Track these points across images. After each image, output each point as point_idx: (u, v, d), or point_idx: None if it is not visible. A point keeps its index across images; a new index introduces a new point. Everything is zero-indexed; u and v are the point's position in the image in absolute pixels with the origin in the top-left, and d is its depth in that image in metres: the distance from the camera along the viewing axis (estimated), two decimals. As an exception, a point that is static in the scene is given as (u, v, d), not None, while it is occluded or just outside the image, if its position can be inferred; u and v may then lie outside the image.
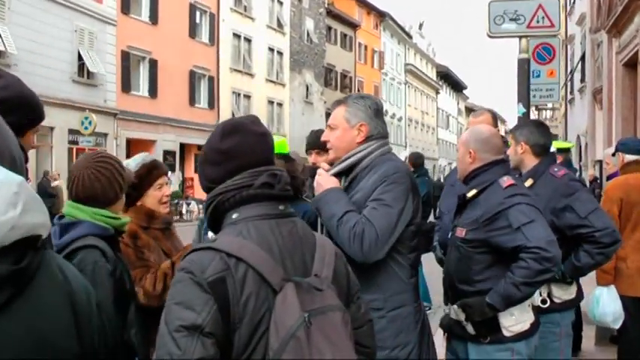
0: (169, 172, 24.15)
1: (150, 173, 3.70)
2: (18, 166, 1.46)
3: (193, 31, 35.69)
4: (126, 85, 30.52)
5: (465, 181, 3.82)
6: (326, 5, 51.14)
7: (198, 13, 36.26)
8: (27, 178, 1.55)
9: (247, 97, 40.79)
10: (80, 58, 27.43)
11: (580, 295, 4.46)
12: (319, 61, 50.14)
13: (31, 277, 1.40)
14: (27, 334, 1.36)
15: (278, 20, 44.48)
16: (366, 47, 60.21)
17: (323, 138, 3.46)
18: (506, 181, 3.58)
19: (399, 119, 67.47)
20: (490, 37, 8.03)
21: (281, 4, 44.74)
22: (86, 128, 25.42)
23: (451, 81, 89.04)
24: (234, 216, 2.04)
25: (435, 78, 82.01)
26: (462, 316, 3.61)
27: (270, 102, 43.51)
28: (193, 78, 35.61)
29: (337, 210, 3.12)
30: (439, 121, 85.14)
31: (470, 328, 3.58)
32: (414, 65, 72.58)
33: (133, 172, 3.49)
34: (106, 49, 29.03)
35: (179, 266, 1.94)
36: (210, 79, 37.16)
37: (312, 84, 48.90)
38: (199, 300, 1.81)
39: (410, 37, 72.29)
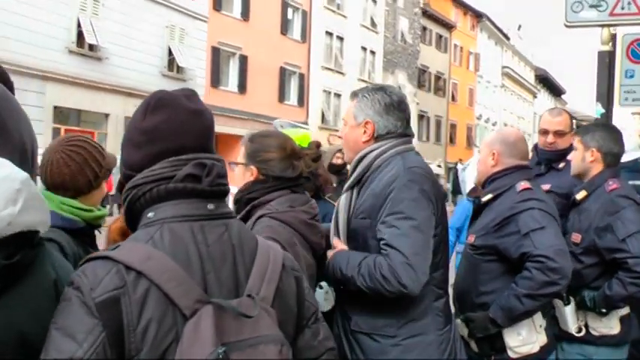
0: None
1: None
2: (28, 155, 1.54)
3: (285, 27, 35.65)
4: (215, 81, 30.77)
5: (483, 185, 3.65)
6: (421, 5, 50.33)
7: (290, 10, 36.22)
8: (33, 169, 1.57)
9: (338, 95, 40.48)
10: (170, 53, 27.98)
11: (627, 333, 3.88)
12: (413, 61, 49.45)
13: (22, 273, 1.42)
14: (6, 330, 1.37)
15: (371, 19, 44.01)
16: (461, 48, 59.10)
17: (339, 134, 3.22)
18: (522, 185, 3.40)
19: (494, 124, 65.77)
20: (567, 26, 7.07)
21: (375, 2, 44.28)
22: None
23: (549, 85, 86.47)
24: (150, 215, 1.67)
25: (532, 81, 79.71)
26: (464, 332, 3.35)
27: (361, 102, 42.59)
28: (283, 75, 35.55)
29: (352, 264, 2.78)
30: (535, 126, 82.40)
31: (473, 346, 3.36)
32: (511, 68, 70.64)
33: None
34: (196, 45, 29.42)
35: (69, 279, 1.54)
36: (301, 77, 37.04)
37: (405, 85, 47.91)
38: (83, 326, 1.45)
39: (508, 38, 70.54)
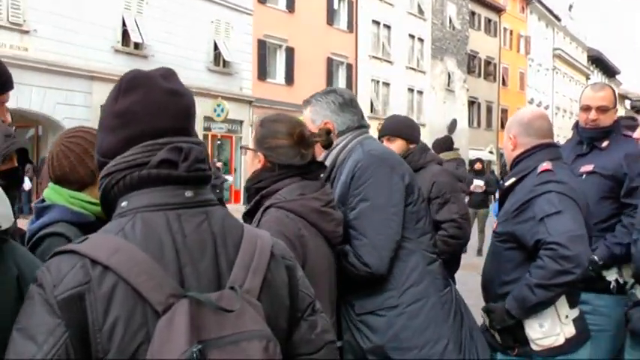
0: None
1: None
2: None
3: (331, 18, 35.54)
4: (262, 73, 30.90)
5: (511, 170, 3.46)
6: (469, -10, 49.51)
7: (336, 0, 36.03)
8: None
9: (386, 84, 40.19)
10: (216, 47, 28.20)
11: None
12: (462, 47, 48.81)
13: None
14: None
15: (419, 6, 43.56)
16: (511, 32, 58.08)
17: None
18: (542, 166, 3.19)
19: (546, 107, 64.44)
20: None
21: (421, -11, 43.69)
22: (218, 115, 26.61)
23: (603, 66, 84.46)
24: (123, 205, 1.57)
25: (585, 63, 78.06)
26: (487, 322, 3.24)
27: (410, 90, 42.71)
28: (331, 65, 35.45)
29: None
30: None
31: (497, 337, 3.20)
32: (562, 50, 69.27)
33: None
34: (242, 39, 29.58)
35: (35, 276, 1.45)
36: (349, 67, 36.86)
37: (455, 71, 47.59)
38: (44, 326, 1.36)
39: (559, 19, 69.14)
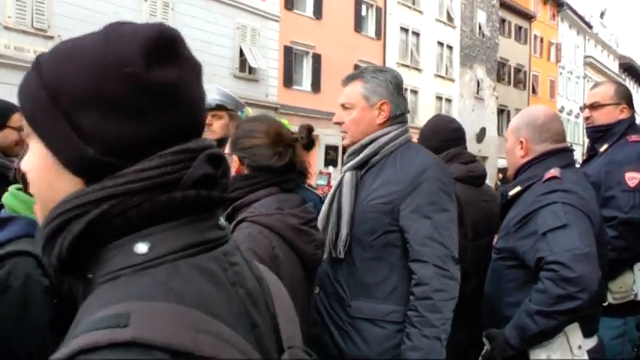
0: (331, 168, 24.02)
1: None
2: None
3: (359, 25, 35.26)
4: (288, 80, 30.75)
5: (515, 177, 3.12)
6: (499, -4, 49.07)
7: (364, 7, 35.77)
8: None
9: (414, 92, 39.72)
10: (242, 54, 28.10)
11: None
12: (491, 55, 48.23)
13: None
14: None
15: (448, 13, 43.07)
16: (541, 39, 57.57)
17: (335, 120, 3.05)
18: (549, 173, 2.86)
19: (576, 116, 63.99)
20: None
21: (451, -4, 43.37)
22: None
23: (635, 73, 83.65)
24: (141, 250, 0.94)
25: (617, 71, 77.23)
26: (489, 349, 2.84)
27: (439, 98, 42.27)
28: (358, 73, 34.86)
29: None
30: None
31: None
32: (594, 57, 68.76)
33: None
34: (268, 45, 29.45)
35: None
36: (376, 74, 36.22)
37: (484, 79, 47.06)
38: None
39: (590, 27, 68.55)
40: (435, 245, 2.67)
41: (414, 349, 2.61)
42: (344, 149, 3.07)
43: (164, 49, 1.01)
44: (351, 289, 2.87)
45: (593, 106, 3.90)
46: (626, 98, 3.92)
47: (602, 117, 3.86)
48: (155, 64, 0.99)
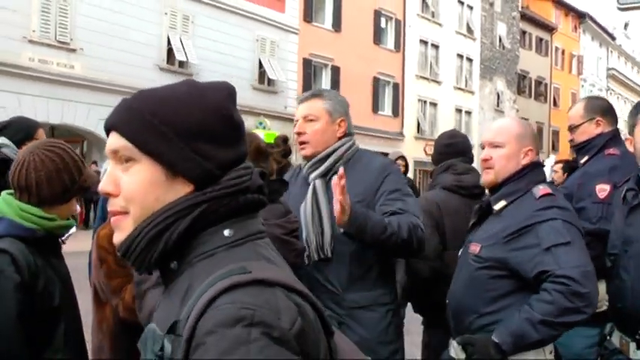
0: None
1: None
2: None
3: (378, 37, 35.38)
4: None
5: (493, 190, 3.17)
6: (520, 8, 49.02)
7: (383, 20, 35.87)
8: None
9: (433, 104, 39.79)
10: (261, 65, 28.26)
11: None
12: (512, 67, 48.15)
13: None
14: None
15: (467, 26, 43.16)
16: (563, 51, 57.21)
17: (297, 130, 3.32)
18: (541, 189, 2.96)
19: (600, 128, 63.46)
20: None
21: (471, 8, 43.34)
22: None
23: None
24: (227, 233, 1.34)
25: (641, 83, 76.17)
26: (461, 356, 2.91)
27: (458, 110, 42.25)
28: (377, 85, 35.27)
29: (378, 222, 2.99)
30: (645, 130, 78.97)
31: None
32: (617, 70, 68.01)
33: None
34: (287, 57, 29.65)
35: (231, 316, 1.13)
36: (395, 87, 36.61)
37: (504, 91, 46.96)
38: None
39: (613, 38, 67.81)
40: (410, 211, 3.10)
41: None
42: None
43: (235, 98, 1.44)
44: (343, 284, 3.14)
45: (571, 128, 4.07)
46: (601, 111, 4.03)
47: (580, 136, 4.00)
48: (235, 108, 1.42)
